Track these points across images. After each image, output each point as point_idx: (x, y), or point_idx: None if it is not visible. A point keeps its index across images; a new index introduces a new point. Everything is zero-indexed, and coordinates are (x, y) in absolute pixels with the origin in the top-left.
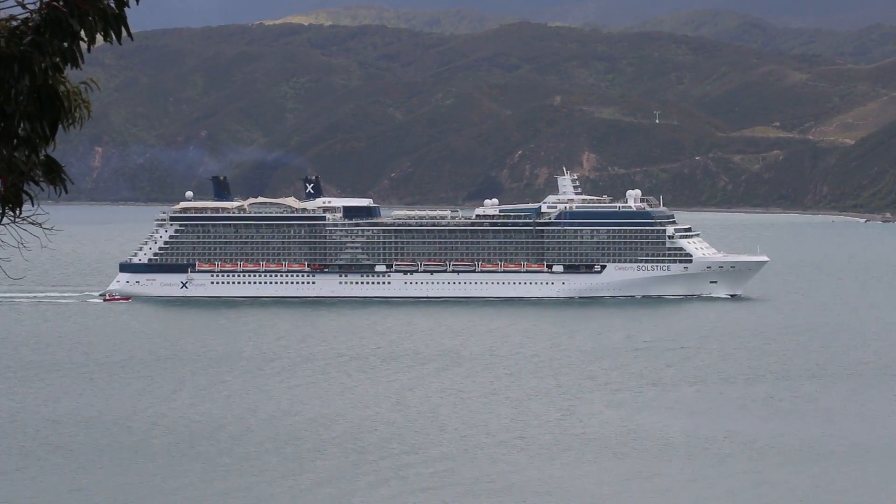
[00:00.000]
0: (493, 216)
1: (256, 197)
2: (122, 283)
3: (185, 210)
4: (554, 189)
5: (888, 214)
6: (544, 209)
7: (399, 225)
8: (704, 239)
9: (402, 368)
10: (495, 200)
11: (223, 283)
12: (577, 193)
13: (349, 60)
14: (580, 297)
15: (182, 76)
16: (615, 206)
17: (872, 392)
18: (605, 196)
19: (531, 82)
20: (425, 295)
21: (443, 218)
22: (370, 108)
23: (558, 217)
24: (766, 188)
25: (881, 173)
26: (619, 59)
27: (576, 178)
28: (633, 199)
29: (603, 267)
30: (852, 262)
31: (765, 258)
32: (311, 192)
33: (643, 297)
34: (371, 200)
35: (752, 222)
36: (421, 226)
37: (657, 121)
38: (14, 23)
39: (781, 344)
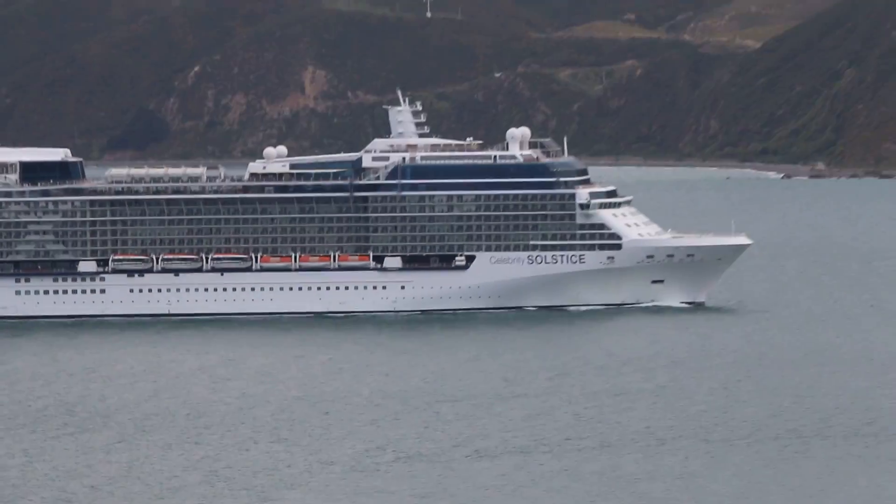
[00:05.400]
0: (279, 175)
1: None
2: None
3: None
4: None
5: (819, 165)
6: (368, 162)
7: (120, 193)
8: (638, 208)
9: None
10: (282, 149)
11: None
12: (421, 134)
13: None
14: (430, 312)
15: None
16: (488, 157)
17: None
18: (469, 139)
19: None
20: (165, 311)
21: (195, 179)
22: None
23: (393, 175)
24: (613, 124)
25: (806, 97)
26: None
27: (419, 107)
28: (517, 142)
29: (470, 259)
30: (834, 246)
31: (745, 240)
32: None
33: (539, 308)
34: (69, 152)
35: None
36: (158, 194)
37: (429, 15)
38: None
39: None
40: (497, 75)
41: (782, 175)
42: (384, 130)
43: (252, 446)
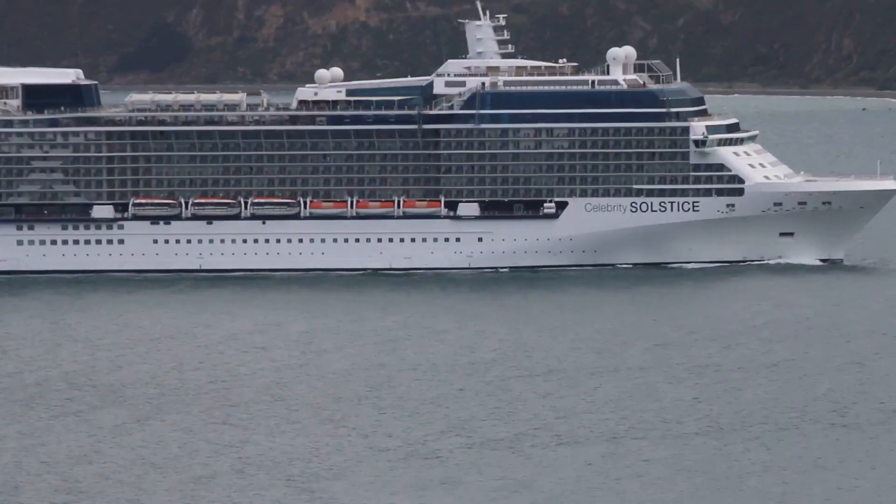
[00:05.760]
0: (334, 104)
1: None
2: None
3: None
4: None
5: None
6: (440, 88)
7: (142, 123)
8: (771, 146)
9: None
10: (338, 72)
11: None
12: (505, 54)
13: None
14: (512, 269)
15: None
16: (585, 82)
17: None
18: (562, 61)
19: None
20: (195, 266)
21: (232, 107)
22: None
23: (470, 104)
24: (726, 44)
25: None
26: None
27: (502, 21)
28: (620, 65)
29: (560, 206)
30: None
31: (893, 184)
32: None
33: (640, 265)
34: (80, 73)
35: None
36: (189, 125)
37: None
38: None
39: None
40: None
41: None
42: (449, 49)
43: (291, 428)
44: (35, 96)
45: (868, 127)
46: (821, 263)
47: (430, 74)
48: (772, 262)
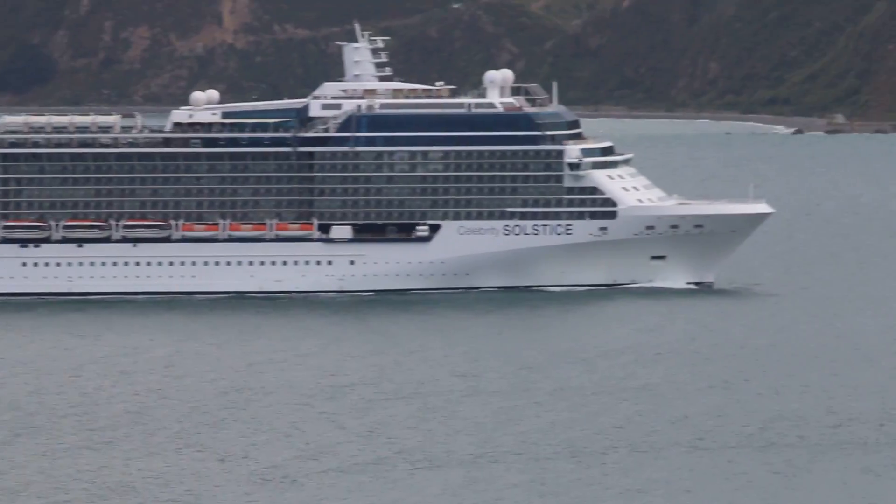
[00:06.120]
0: (209, 125)
1: None
2: None
3: None
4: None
5: (839, 118)
6: (316, 110)
7: (13, 145)
8: (638, 169)
9: None
10: (213, 94)
11: None
12: (383, 77)
13: None
14: (381, 292)
15: None
16: (461, 105)
17: None
18: (439, 83)
19: None
20: (65, 290)
21: (105, 129)
22: None
23: (345, 127)
24: (593, 67)
25: (826, 35)
26: None
27: (380, 42)
28: (497, 88)
29: (433, 229)
30: (858, 215)
31: (765, 208)
32: None
33: (509, 288)
34: None
35: None
36: (61, 147)
37: None
38: None
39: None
40: (455, 6)
41: (793, 130)
42: (319, 71)
43: (148, 453)
44: None
45: (733, 150)
46: (691, 287)
47: (298, 97)
48: (643, 285)
